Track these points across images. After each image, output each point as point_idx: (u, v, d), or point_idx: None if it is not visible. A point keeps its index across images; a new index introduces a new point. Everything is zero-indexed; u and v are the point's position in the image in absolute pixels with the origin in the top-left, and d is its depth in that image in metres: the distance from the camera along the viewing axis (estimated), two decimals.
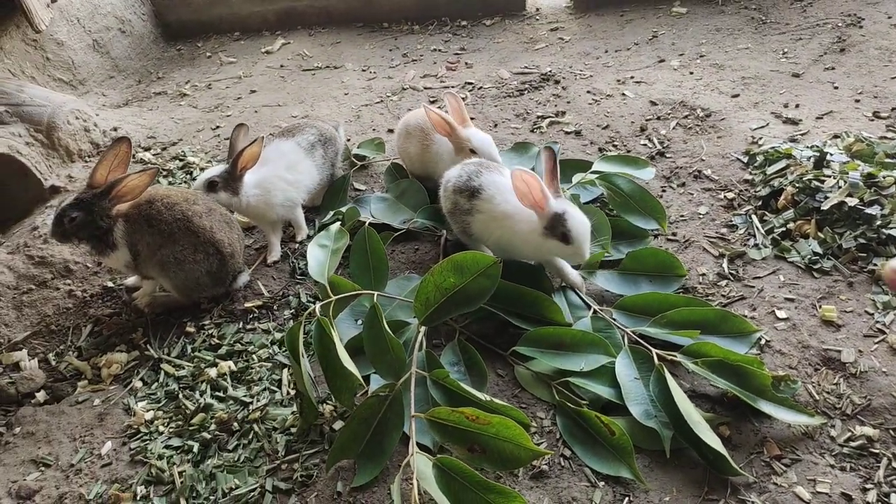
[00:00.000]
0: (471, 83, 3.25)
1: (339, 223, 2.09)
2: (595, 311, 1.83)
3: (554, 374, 1.71)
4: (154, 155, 2.98)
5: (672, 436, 1.50)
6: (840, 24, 3.13)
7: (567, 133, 2.70)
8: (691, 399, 1.55)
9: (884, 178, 1.96)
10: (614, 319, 1.80)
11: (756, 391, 1.51)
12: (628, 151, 2.51)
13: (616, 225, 2.09)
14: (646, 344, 1.68)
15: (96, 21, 3.77)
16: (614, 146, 2.57)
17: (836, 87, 2.67)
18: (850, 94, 2.61)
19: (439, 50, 3.68)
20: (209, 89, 3.68)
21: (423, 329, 1.76)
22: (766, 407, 1.48)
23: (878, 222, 1.87)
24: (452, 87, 3.25)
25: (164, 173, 2.82)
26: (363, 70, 3.60)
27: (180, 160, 2.91)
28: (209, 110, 3.41)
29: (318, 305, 1.73)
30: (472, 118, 2.93)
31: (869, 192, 1.93)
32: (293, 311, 2.11)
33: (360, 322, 1.93)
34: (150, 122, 3.27)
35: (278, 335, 2.01)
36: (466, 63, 3.46)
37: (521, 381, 1.75)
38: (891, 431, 1.45)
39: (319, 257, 1.95)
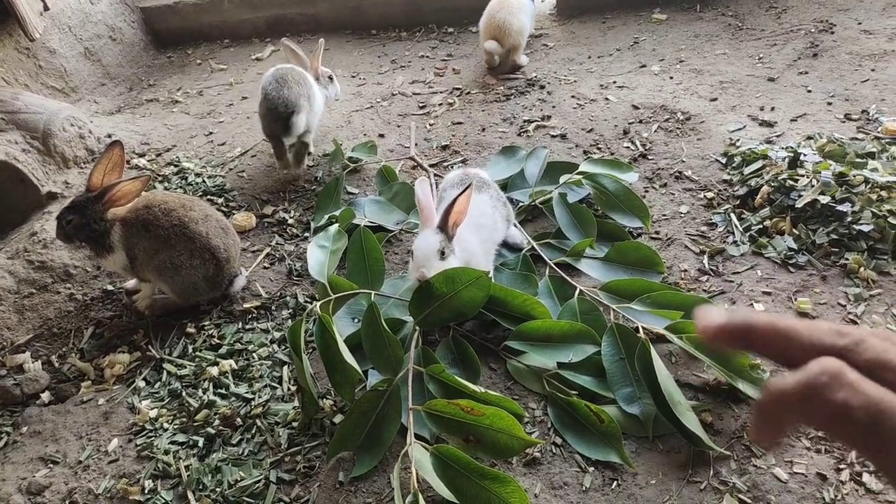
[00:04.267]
0: (459, 88, 3.33)
1: (337, 225, 2.16)
2: (581, 292, 1.91)
3: (544, 367, 1.79)
4: (149, 161, 3.02)
5: (655, 416, 1.58)
6: (813, 30, 3.25)
7: (553, 136, 2.79)
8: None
9: (854, 176, 2.06)
10: (599, 300, 1.88)
11: (735, 371, 1.60)
12: (612, 154, 2.61)
13: (602, 225, 2.18)
14: (631, 318, 1.76)
15: (87, 29, 3.81)
16: (598, 149, 2.66)
17: (809, 91, 2.79)
18: (823, 98, 2.73)
19: (427, 56, 3.76)
20: (200, 96, 3.72)
21: (418, 327, 1.84)
22: (744, 386, 1.57)
23: (849, 219, 1.97)
24: (441, 91, 3.33)
25: (160, 179, 2.87)
26: (353, 76, 3.67)
27: (175, 166, 2.96)
28: (202, 116, 3.46)
29: (318, 304, 1.80)
30: (459, 122, 3.04)
31: (840, 190, 2.04)
32: (291, 311, 2.17)
33: (356, 320, 2.00)
34: (143, 129, 3.32)
35: (277, 334, 2.07)
36: (454, 69, 3.54)
37: (513, 373, 1.82)
38: None
39: (319, 257, 2.02)
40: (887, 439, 0.35)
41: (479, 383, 1.76)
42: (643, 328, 1.73)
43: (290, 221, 2.60)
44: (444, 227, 1.78)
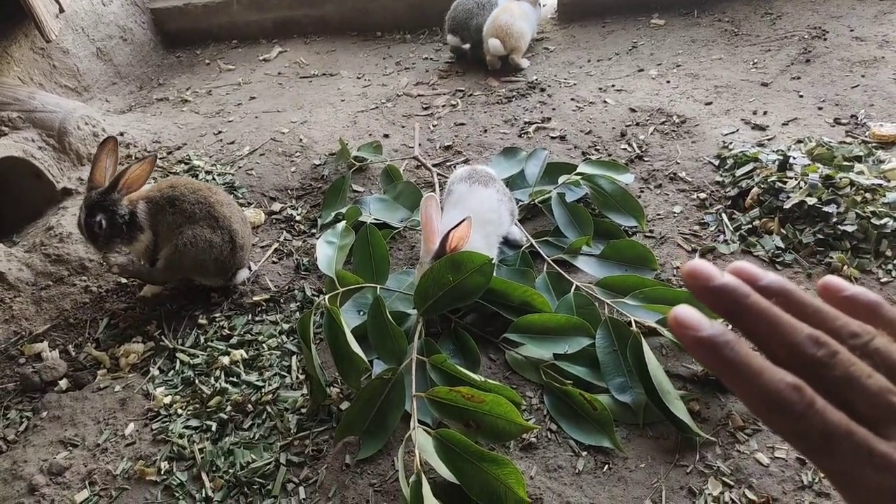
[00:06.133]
0: (461, 90, 3.42)
1: (344, 222, 2.26)
2: (577, 288, 1.99)
3: (541, 358, 1.88)
4: (160, 159, 3.12)
5: (645, 405, 1.67)
6: (806, 37, 3.34)
7: (552, 138, 2.88)
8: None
9: (840, 179, 2.15)
10: (594, 294, 1.97)
11: None
12: (609, 155, 2.69)
13: (599, 224, 2.27)
14: (625, 312, 1.85)
15: (99, 30, 3.90)
16: (596, 150, 2.75)
17: (801, 96, 2.87)
18: (814, 103, 2.81)
19: (431, 59, 3.85)
20: (209, 95, 3.81)
21: (421, 319, 1.93)
22: None
23: (835, 219, 2.06)
24: (444, 93, 3.42)
25: (171, 175, 2.96)
26: (358, 77, 3.76)
27: (186, 164, 3.05)
28: (211, 115, 3.55)
29: (326, 296, 1.89)
30: (462, 123, 3.13)
31: (827, 192, 2.13)
32: (299, 304, 2.26)
33: (362, 313, 2.08)
34: (154, 127, 3.41)
35: (286, 326, 2.16)
36: (457, 72, 3.63)
37: (511, 364, 1.91)
38: None
39: (328, 252, 2.11)
40: (836, 457, 0.38)
41: (478, 373, 1.84)
42: (635, 322, 1.82)
43: (298, 218, 2.68)
44: (443, 255, 1.86)
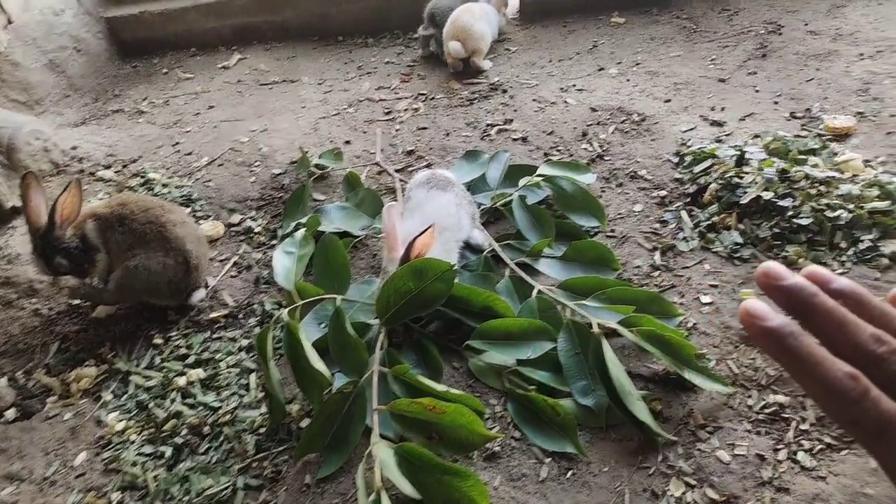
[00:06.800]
0: (424, 94, 3.39)
1: (304, 230, 2.21)
2: (539, 291, 1.98)
3: (505, 364, 1.86)
4: (115, 172, 3.03)
5: (608, 407, 1.66)
6: (762, 32, 3.37)
7: (514, 140, 2.86)
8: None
9: (795, 173, 2.16)
10: (556, 297, 1.95)
11: (683, 361, 1.67)
12: (571, 156, 2.68)
13: (560, 226, 2.26)
14: (586, 314, 1.83)
15: (51, 41, 3.79)
16: (558, 151, 2.74)
17: (757, 91, 2.90)
18: (770, 97, 2.84)
19: (392, 62, 3.82)
20: (167, 106, 3.73)
21: (383, 329, 1.89)
22: (690, 375, 1.64)
23: (790, 213, 2.07)
24: (406, 97, 3.39)
25: (126, 190, 2.88)
26: (319, 83, 3.71)
27: (141, 177, 2.97)
28: (168, 126, 3.47)
29: (285, 311, 1.85)
30: (424, 127, 3.10)
31: (782, 186, 2.14)
32: (259, 318, 2.20)
33: (323, 325, 2.04)
34: (108, 140, 3.32)
35: (245, 342, 2.10)
36: (419, 75, 3.60)
37: (475, 372, 1.88)
38: (799, 398, 1.63)
39: (286, 264, 2.05)
40: (889, 445, 0.41)
41: (442, 382, 1.82)
42: (597, 324, 1.80)
43: (258, 230, 2.63)
44: (407, 262, 1.83)
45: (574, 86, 3.19)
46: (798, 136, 2.48)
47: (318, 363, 1.66)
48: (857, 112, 2.63)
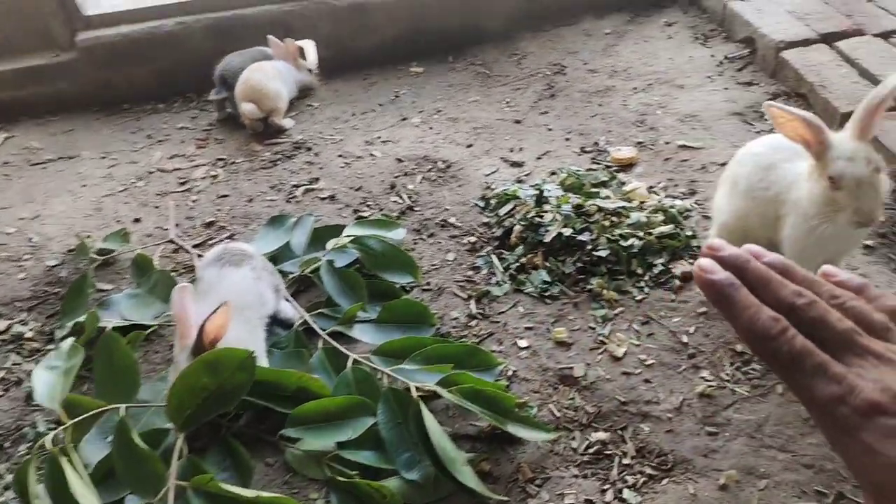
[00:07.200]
0: (223, 159, 3.18)
1: (72, 340, 1.92)
2: (355, 361, 1.85)
3: (325, 449, 1.70)
4: None
5: (435, 477, 1.56)
6: (548, 73, 3.61)
7: (322, 199, 2.75)
8: (454, 441, 1.63)
9: (589, 206, 2.27)
10: (372, 365, 1.85)
11: (504, 413, 1.64)
12: (381, 210, 2.62)
13: (373, 286, 2.16)
14: (404, 379, 1.74)
15: None
16: (368, 206, 2.66)
17: (550, 129, 3.07)
18: (562, 134, 3.02)
19: (187, 127, 3.55)
20: None
21: (181, 435, 1.66)
22: (514, 428, 1.61)
23: (589, 247, 2.16)
24: (203, 164, 3.15)
25: None
26: (102, 157, 3.34)
27: None
28: None
29: (48, 436, 1.57)
30: (225, 195, 2.89)
31: (580, 221, 2.23)
32: (31, 443, 1.85)
33: (109, 439, 1.76)
34: None
35: (10, 477, 1.75)
36: (216, 139, 3.38)
37: (292, 464, 1.71)
38: (618, 432, 1.65)
39: (48, 381, 1.77)
40: (799, 373, 0.47)
41: (254, 483, 1.62)
42: (415, 387, 1.71)
43: (29, 335, 2.25)
44: (200, 350, 1.65)
45: (379, 138, 3.16)
46: (590, 169, 2.64)
47: (85, 497, 1.39)
48: (638, 142, 2.87)
